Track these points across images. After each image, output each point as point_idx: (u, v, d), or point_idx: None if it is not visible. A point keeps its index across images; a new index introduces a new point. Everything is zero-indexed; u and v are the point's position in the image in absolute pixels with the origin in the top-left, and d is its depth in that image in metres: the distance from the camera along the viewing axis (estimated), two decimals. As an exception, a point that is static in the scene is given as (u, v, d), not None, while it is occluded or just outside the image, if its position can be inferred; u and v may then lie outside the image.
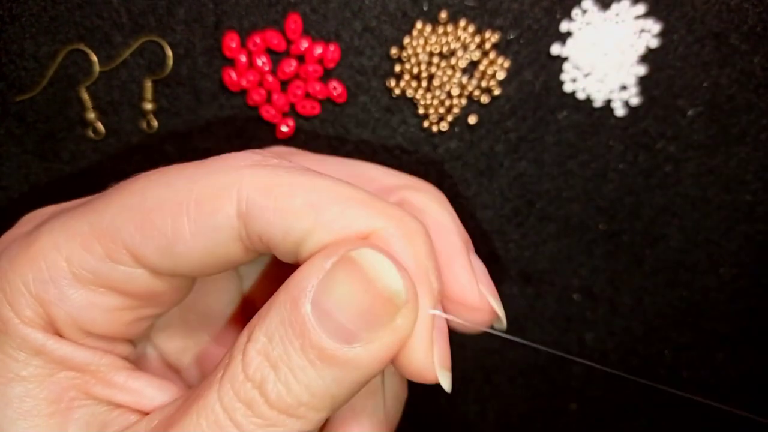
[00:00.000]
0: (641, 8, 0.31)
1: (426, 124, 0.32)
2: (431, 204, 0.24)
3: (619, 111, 0.32)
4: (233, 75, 0.31)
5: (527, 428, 0.37)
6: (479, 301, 0.23)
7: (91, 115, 0.32)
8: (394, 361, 0.20)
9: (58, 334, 0.21)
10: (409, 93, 0.32)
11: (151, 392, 0.22)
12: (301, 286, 0.19)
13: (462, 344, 0.36)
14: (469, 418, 0.37)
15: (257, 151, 0.21)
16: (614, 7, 0.31)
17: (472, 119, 0.32)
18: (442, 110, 0.32)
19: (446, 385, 0.20)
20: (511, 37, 0.31)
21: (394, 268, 0.19)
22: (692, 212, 0.34)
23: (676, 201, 0.33)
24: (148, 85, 0.31)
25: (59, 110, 0.32)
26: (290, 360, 0.18)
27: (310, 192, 0.19)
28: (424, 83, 0.32)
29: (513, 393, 0.37)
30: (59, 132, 0.32)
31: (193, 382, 0.26)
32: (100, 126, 0.32)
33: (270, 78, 0.31)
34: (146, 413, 0.21)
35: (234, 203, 0.19)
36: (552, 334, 0.36)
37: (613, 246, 0.34)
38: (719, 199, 0.33)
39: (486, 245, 0.34)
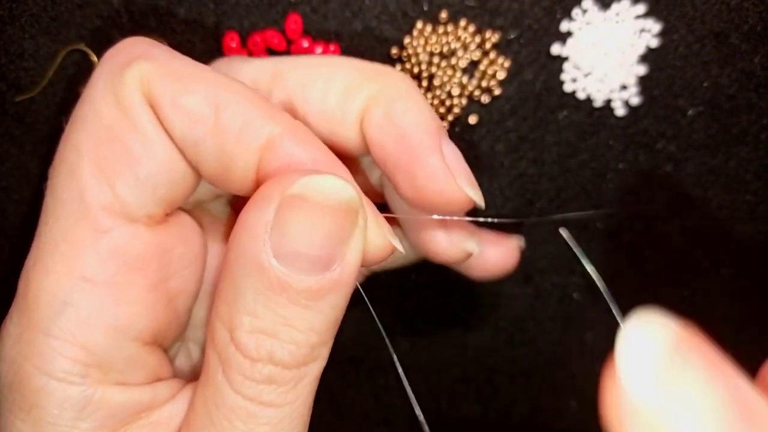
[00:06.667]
0: (641, 8, 0.31)
1: (426, 124, 0.32)
2: (393, 102, 0.23)
3: (619, 111, 0.32)
4: (233, 75, 0.31)
5: (527, 428, 0.37)
6: (458, 193, 0.22)
7: (91, 115, 0.32)
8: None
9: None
10: (410, 93, 0.32)
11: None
12: (255, 247, 0.18)
13: (463, 344, 0.36)
14: (470, 418, 0.37)
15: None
16: (614, 6, 0.31)
17: (472, 119, 0.32)
18: (442, 110, 0.32)
19: (399, 245, 0.21)
20: (512, 36, 0.31)
21: (337, 179, 0.19)
22: (692, 212, 0.34)
23: (676, 201, 0.33)
24: (148, 85, 0.31)
25: (59, 110, 0.32)
26: (285, 317, 0.19)
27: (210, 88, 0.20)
28: (425, 83, 0.32)
29: (513, 393, 0.37)
30: (59, 132, 0.32)
31: None
32: (100, 126, 0.32)
33: (270, 78, 0.31)
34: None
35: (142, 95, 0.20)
36: (552, 334, 0.36)
37: (613, 245, 0.34)
38: (719, 199, 0.33)
39: (486, 245, 0.34)
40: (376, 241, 0.20)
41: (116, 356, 0.20)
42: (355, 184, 0.20)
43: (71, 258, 0.20)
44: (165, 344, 0.23)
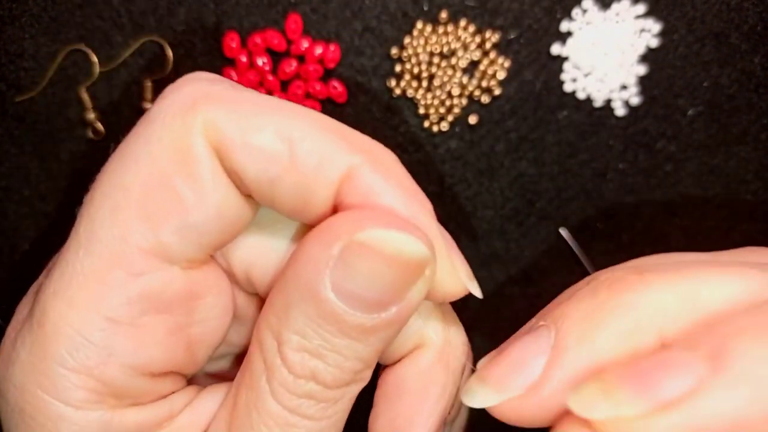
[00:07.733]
0: (641, 8, 0.31)
1: (426, 124, 0.32)
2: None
3: (619, 111, 0.32)
4: (234, 75, 0.31)
5: (528, 428, 0.37)
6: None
7: (91, 116, 0.32)
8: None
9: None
10: (410, 93, 0.32)
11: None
12: (314, 278, 0.18)
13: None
14: (470, 418, 0.37)
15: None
16: (614, 6, 0.31)
17: (472, 119, 0.32)
18: (442, 110, 0.32)
19: (477, 292, 0.21)
20: (512, 36, 0.31)
21: (410, 237, 0.18)
22: (692, 212, 0.34)
23: (676, 201, 0.33)
24: (148, 85, 0.31)
25: (59, 110, 0.32)
26: (333, 345, 0.19)
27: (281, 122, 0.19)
28: (425, 83, 0.32)
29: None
30: (59, 132, 0.32)
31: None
32: (99, 126, 0.32)
33: (270, 78, 0.31)
34: None
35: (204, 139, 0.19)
36: (552, 334, 0.36)
37: (613, 245, 0.34)
38: (719, 199, 0.33)
39: (486, 245, 0.34)
40: (449, 282, 0.20)
41: (130, 388, 0.20)
42: (435, 229, 0.20)
43: (99, 298, 0.19)
44: (179, 375, 0.23)
